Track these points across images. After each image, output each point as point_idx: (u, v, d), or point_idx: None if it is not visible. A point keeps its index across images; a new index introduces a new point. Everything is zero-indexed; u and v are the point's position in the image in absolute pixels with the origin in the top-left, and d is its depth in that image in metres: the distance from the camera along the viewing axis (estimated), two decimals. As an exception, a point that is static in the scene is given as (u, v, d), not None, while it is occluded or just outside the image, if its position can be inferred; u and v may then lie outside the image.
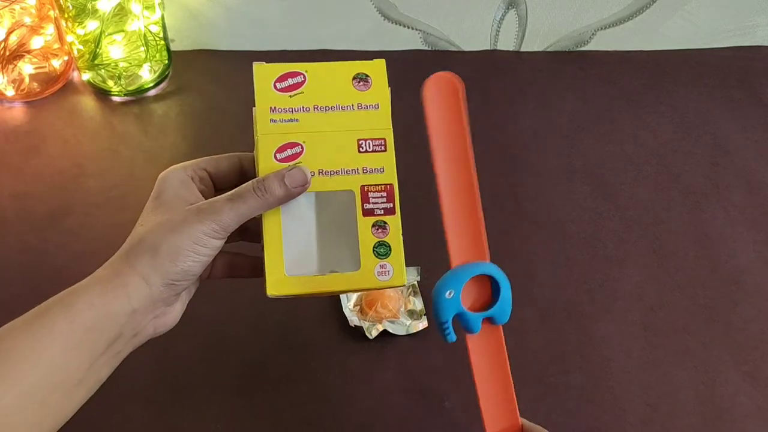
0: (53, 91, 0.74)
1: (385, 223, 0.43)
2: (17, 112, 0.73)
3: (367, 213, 0.43)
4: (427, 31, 0.80)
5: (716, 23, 0.82)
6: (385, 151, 0.44)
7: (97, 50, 0.71)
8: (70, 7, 0.67)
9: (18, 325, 0.36)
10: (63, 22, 0.70)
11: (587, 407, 0.56)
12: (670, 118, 0.77)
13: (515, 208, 0.68)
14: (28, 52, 0.72)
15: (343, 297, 0.59)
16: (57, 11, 0.69)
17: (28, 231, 0.64)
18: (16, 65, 0.72)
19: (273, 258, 0.42)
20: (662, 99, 0.79)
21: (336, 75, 0.45)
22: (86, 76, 0.74)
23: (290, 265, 0.42)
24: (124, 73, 0.74)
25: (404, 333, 0.58)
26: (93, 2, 0.67)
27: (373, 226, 0.43)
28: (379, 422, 0.54)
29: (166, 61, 0.76)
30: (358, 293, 0.60)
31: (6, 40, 0.70)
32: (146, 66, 0.74)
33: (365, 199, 0.43)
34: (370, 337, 0.58)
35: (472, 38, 0.81)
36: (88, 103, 0.74)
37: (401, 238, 0.43)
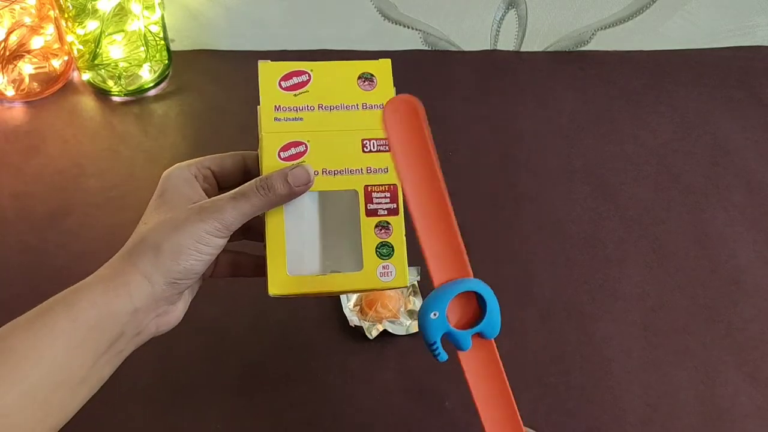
0: (53, 91, 0.74)
1: (389, 223, 0.43)
2: (17, 112, 0.73)
3: (371, 213, 0.43)
4: (427, 31, 0.80)
5: (716, 23, 0.82)
6: (390, 151, 0.44)
7: (97, 50, 0.71)
8: (70, 7, 0.67)
9: (20, 323, 0.36)
10: (63, 22, 0.70)
11: (587, 407, 0.56)
12: (670, 118, 0.77)
13: (515, 208, 0.68)
14: (28, 52, 0.72)
15: (343, 297, 0.59)
16: (57, 11, 0.69)
17: (28, 231, 0.64)
18: (16, 65, 0.72)
19: (275, 257, 0.42)
20: (662, 99, 0.79)
21: (341, 74, 0.44)
22: (86, 76, 0.74)
23: (292, 265, 0.42)
24: (124, 73, 0.74)
25: (404, 333, 0.58)
26: (93, 2, 0.67)
27: (376, 226, 0.43)
28: (379, 422, 0.54)
29: (166, 61, 0.76)
30: (359, 293, 0.60)
31: (6, 40, 0.70)
32: (146, 66, 0.74)
33: (369, 199, 0.43)
34: (370, 337, 0.58)
35: (472, 38, 0.81)
36: (88, 103, 0.74)
37: (404, 239, 0.43)
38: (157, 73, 0.75)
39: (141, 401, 0.54)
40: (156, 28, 0.72)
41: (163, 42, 0.74)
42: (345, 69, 0.45)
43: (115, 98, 0.74)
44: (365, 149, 0.44)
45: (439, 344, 0.38)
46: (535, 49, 0.83)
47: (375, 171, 0.43)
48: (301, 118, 0.43)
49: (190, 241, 0.38)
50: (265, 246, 0.42)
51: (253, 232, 0.46)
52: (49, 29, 0.72)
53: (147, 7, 0.70)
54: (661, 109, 0.78)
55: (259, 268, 0.45)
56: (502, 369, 0.39)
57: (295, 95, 0.44)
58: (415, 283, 0.61)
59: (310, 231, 0.44)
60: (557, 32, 0.81)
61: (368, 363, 0.57)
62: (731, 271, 0.65)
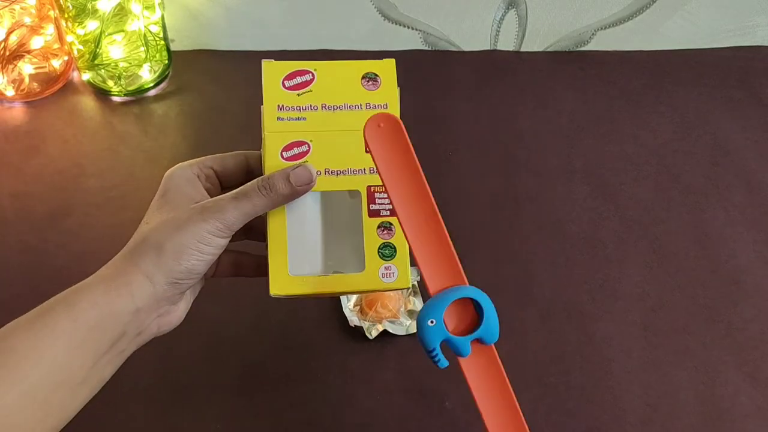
0: (53, 91, 0.74)
1: (391, 224, 0.43)
2: (17, 112, 0.73)
3: (373, 214, 0.43)
4: (427, 31, 0.80)
5: (716, 23, 0.82)
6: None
7: (97, 50, 0.71)
8: (70, 7, 0.67)
9: (21, 323, 0.36)
10: (63, 22, 0.70)
11: (587, 407, 0.56)
12: (670, 118, 0.77)
13: (515, 208, 0.68)
14: (28, 52, 0.72)
15: (343, 297, 0.59)
16: (57, 11, 0.69)
17: (28, 231, 0.64)
18: (16, 65, 0.72)
19: (277, 257, 0.42)
20: (662, 99, 0.79)
21: (345, 74, 0.44)
22: (86, 76, 0.74)
23: (294, 265, 0.42)
24: (124, 73, 0.74)
25: (404, 333, 0.58)
26: (93, 2, 0.67)
27: (379, 227, 0.43)
28: (379, 422, 0.54)
29: (166, 61, 0.76)
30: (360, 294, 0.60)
31: (6, 40, 0.70)
32: (146, 66, 0.74)
33: (371, 199, 0.43)
34: (370, 337, 0.58)
35: (472, 38, 0.81)
36: (88, 103, 0.74)
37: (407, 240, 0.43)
38: (157, 73, 0.75)
39: (141, 401, 0.54)
40: (156, 28, 0.72)
41: (163, 42, 0.74)
42: (349, 69, 0.44)
43: (115, 98, 0.74)
44: (368, 149, 0.43)
45: (438, 351, 0.38)
46: (535, 49, 0.83)
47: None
48: (304, 118, 0.43)
49: (192, 241, 0.38)
50: (266, 246, 0.42)
51: (255, 232, 0.46)
52: (49, 29, 0.72)
53: (147, 7, 0.70)
54: (661, 109, 0.78)
55: (261, 268, 0.45)
56: (504, 374, 0.40)
57: (298, 95, 0.43)
58: (416, 283, 0.61)
59: (312, 231, 0.43)
60: (557, 32, 0.81)
61: (368, 363, 0.57)
62: (731, 271, 0.65)
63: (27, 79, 0.73)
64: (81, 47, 0.71)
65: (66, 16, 0.68)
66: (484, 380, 0.39)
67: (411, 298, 0.61)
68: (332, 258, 0.44)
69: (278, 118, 0.43)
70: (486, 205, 0.68)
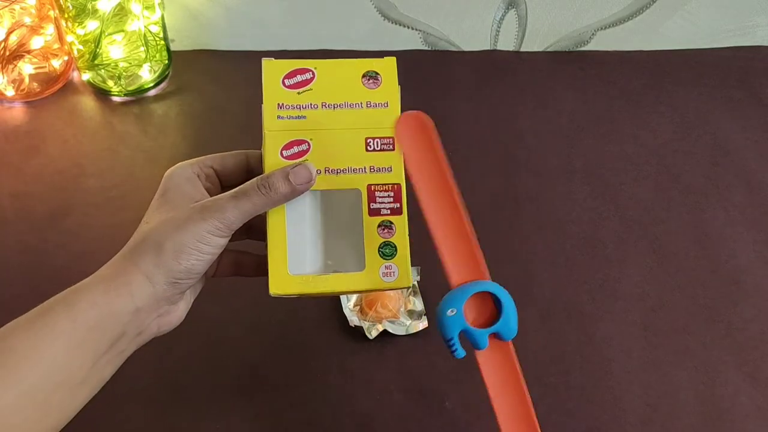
0: (53, 91, 0.74)
1: (392, 223, 0.43)
2: (17, 112, 0.73)
3: (374, 213, 0.43)
4: (427, 31, 0.80)
5: (716, 23, 0.82)
6: (394, 150, 0.43)
7: (97, 50, 0.71)
8: (70, 7, 0.67)
9: (20, 324, 0.36)
10: (63, 22, 0.70)
11: (587, 407, 0.56)
12: (670, 118, 0.77)
13: (515, 208, 0.68)
14: (28, 52, 0.72)
15: (343, 297, 0.59)
16: (57, 11, 0.69)
17: (28, 231, 0.64)
18: (16, 65, 0.72)
19: (276, 256, 0.42)
20: (662, 99, 0.79)
21: (345, 72, 0.44)
22: (86, 76, 0.74)
23: (294, 264, 0.42)
24: (124, 73, 0.74)
25: (404, 333, 0.58)
26: (93, 2, 0.67)
27: (379, 226, 0.43)
28: (379, 422, 0.54)
29: (166, 61, 0.76)
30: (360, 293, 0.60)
31: (6, 40, 0.70)
32: (146, 66, 0.74)
33: (372, 198, 0.43)
34: (370, 337, 0.57)
35: (472, 38, 0.81)
36: (88, 103, 0.74)
37: (408, 239, 0.43)
38: (157, 73, 0.75)
39: (141, 401, 0.54)
40: (156, 28, 0.72)
41: (163, 42, 0.74)
42: (349, 67, 0.44)
43: (115, 98, 0.74)
44: (369, 148, 0.43)
45: (456, 341, 0.40)
46: (535, 49, 0.83)
47: (378, 170, 0.43)
48: (305, 117, 0.43)
49: (192, 241, 0.38)
50: (266, 245, 0.42)
51: (255, 231, 0.46)
52: (49, 29, 0.72)
53: (147, 7, 0.70)
54: (661, 109, 0.78)
55: (261, 267, 0.44)
56: (519, 371, 0.41)
57: (298, 93, 0.43)
58: (416, 283, 0.61)
59: (311, 230, 0.43)
60: (557, 32, 0.81)
61: (368, 363, 0.57)
62: (731, 271, 0.65)
63: (27, 79, 0.73)
64: (81, 47, 0.71)
65: (66, 16, 0.68)
66: (499, 375, 0.41)
67: (411, 298, 0.61)
68: (332, 257, 0.44)
69: (278, 117, 0.43)
70: (486, 205, 0.68)
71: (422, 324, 0.59)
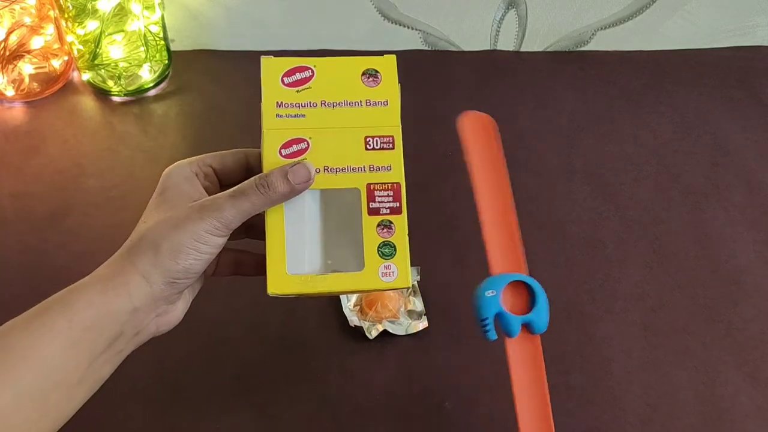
0: (53, 91, 0.74)
1: (391, 222, 0.42)
2: (17, 112, 0.73)
3: (373, 212, 0.42)
4: (427, 31, 0.80)
5: (716, 23, 0.82)
6: (393, 149, 0.43)
7: (97, 50, 0.71)
8: (70, 7, 0.67)
9: (17, 323, 0.36)
10: (63, 22, 0.70)
11: (587, 407, 0.56)
12: (670, 118, 0.77)
13: (515, 208, 0.68)
14: (28, 52, 0.72)
15: (343, 297, 0.59)
16: (57, 11, 0.69)
17: (28, 231, 0.64)
18: (16, 65, 0.72)
19: (275, 256, 0.41)
20: (662, 99, 0.79)
21: (345, 70, 0.44)
22: (86, 76, 0.74)
23: (292, 264, 0.42)
24: (124, 73, 0.74)
25: (404, 333, 0.58)
26: (93, 2, 0.67)
27: (379, 225, 0.42)
28: (379, 422, 0.54)
29: (166, 61, 0.76)
30: (359, 293, 0.60)
31: (6, 40, 0.70)
32: (146, 66, 0.74)
33: (371, 197, 0.42)
34: (370, 337, 0.57)
35: (472, 38, 0.81)
36: (88, 103, 0.74)
37: (407, 238, 0.42)
38: (157, 73, 0.75)
39: (140, 401, 0.54)
40: (156, 28, 0.72)
41: (163, 42, 0.74)
42: (349, 65, 0.44)
43: (115, 98, 0.74)
44: (368, 147, 0.43)
45: (491, 321, 0.42)
46: (535, 49, 0.83)
47: (378, 169, 0.43)
48: (304, 115, 0.43)
49: (189, 240, 0.38)
50: (265, 244, 0.42)
51: (254, 230, 0.45)
52: (49, 29, 0.72)
53: (147, 7, 0.70)
54: (661, 109, 0.78)
55: (261, 266, 0.44)
56: (543, 367, 0.43)
57: (297, 91, 0.43)
58: (416, 283, 0.61)
59: (310, 230, 0.43)
60: (557, 32, 0.81)
61: (368, 363, 0.57)
62: (731, 271, 0.65)
63: (27, 79, 0.73)
64: (81, 47, 0.71)
65: (66, 16, 0.68)
66: (524, 366, 0.43)
67: (411, 298, 0.61)
68: (331, 257, 0.43)
69: (277, 115, 0.42)
70: (486, 205, 0.68)
71: (422, 324, 0.59)
